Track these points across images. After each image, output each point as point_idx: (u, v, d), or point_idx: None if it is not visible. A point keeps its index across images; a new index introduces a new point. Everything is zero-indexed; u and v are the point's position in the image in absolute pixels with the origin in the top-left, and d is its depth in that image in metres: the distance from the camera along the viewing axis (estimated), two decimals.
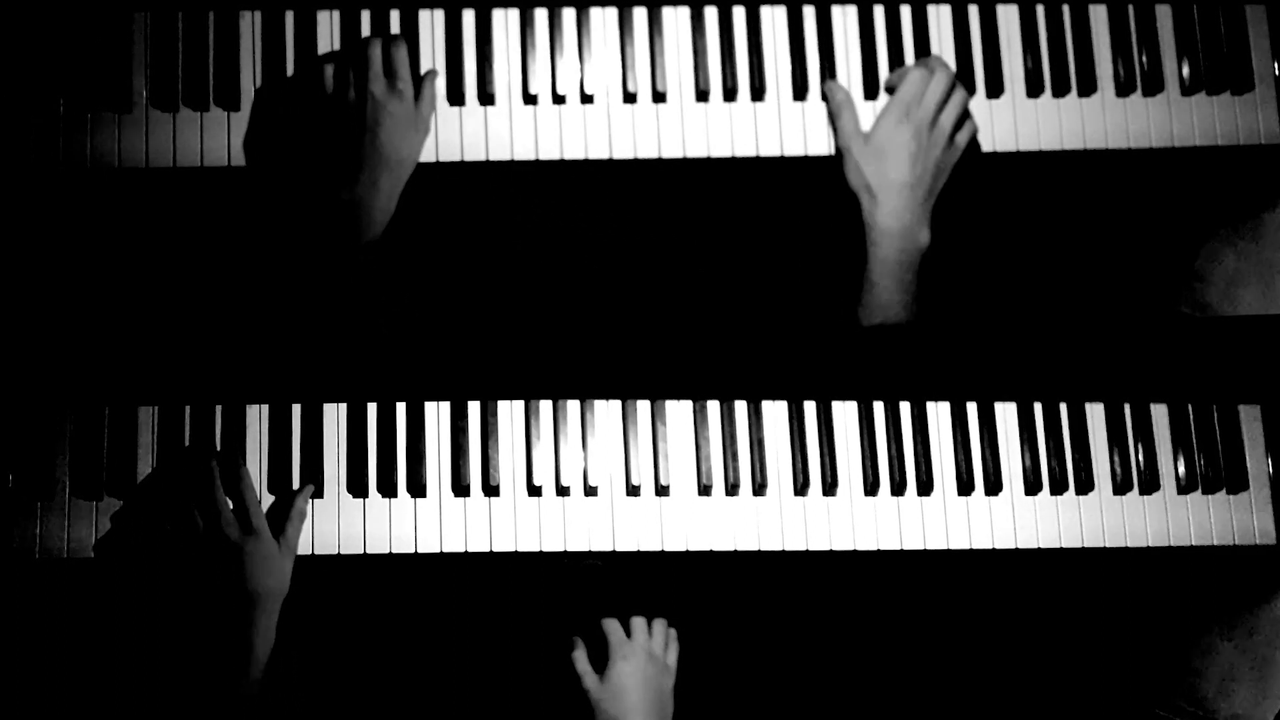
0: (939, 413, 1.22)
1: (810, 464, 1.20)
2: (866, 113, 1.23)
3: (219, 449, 1.16)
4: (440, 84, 1.21)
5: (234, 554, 1.09)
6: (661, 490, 1.19)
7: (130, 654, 1.16)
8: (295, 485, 1.17)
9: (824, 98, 1.22)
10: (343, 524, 1.17)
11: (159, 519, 1.11)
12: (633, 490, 1.19)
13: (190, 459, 1.15)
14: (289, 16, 1.21)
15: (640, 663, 1.25)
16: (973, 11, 1.25)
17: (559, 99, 1.22)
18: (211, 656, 1.08)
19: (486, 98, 1.21)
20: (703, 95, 1.23)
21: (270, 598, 1.10)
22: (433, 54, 1.22)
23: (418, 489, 1.17)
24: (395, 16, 1.22)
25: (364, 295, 1.17)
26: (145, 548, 1.12)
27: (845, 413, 1.21)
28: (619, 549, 1.18)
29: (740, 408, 1.21)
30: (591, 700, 1.23)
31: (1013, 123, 1.24)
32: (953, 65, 1.24)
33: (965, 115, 1.21)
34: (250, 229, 1.26)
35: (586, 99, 1.22)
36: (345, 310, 1.17)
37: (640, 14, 1.23)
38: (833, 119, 1.21)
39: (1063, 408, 1.22)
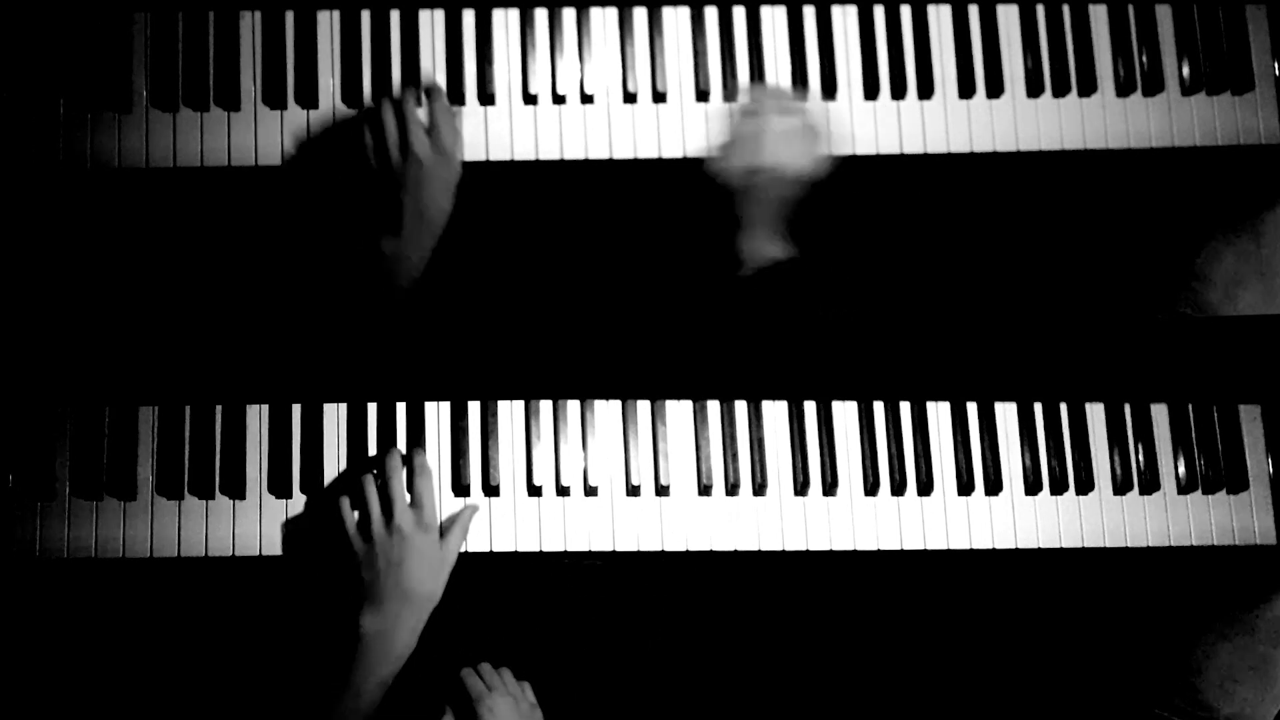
0: (939, 413, 1.22)
1: (810, 464, 1.20)
2: (866, 113, 1.23)
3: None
4: (439, 84, 1.21)
5: (402, 546, 1.09)
6: (661, 490, 1.19)
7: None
8: (296, 485, 1.17)
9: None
10: None
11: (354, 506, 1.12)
12: (633, 490, 1.19)
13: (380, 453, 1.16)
14: (289, 16, 1.21)
15: (511, 703, 1.21)
16: (973, 11, 1.25)
17: (559, 99, 1.22)
18: (348, 651, 1.08)
19: (486, 98, 1.21)
20: (703, 95, 1.23)
21: (425, 600, 1.10)
22: (433, 54, 1.22)
23: None
24: (395, 16, 1.22)
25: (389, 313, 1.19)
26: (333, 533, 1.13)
27: (845, 413, 1.21)
28: (619, 549, 1.18)
29: (740, 408, 1.21)
30: None
31: (1013, 123, 1.23)
32: (952, 65, 1.24)
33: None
34: (250, 229, 1.26)
35: (586, 99, 1.22)
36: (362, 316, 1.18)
37: (640, 14, 1.23)
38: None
39: (1063, 408, 1.22)
